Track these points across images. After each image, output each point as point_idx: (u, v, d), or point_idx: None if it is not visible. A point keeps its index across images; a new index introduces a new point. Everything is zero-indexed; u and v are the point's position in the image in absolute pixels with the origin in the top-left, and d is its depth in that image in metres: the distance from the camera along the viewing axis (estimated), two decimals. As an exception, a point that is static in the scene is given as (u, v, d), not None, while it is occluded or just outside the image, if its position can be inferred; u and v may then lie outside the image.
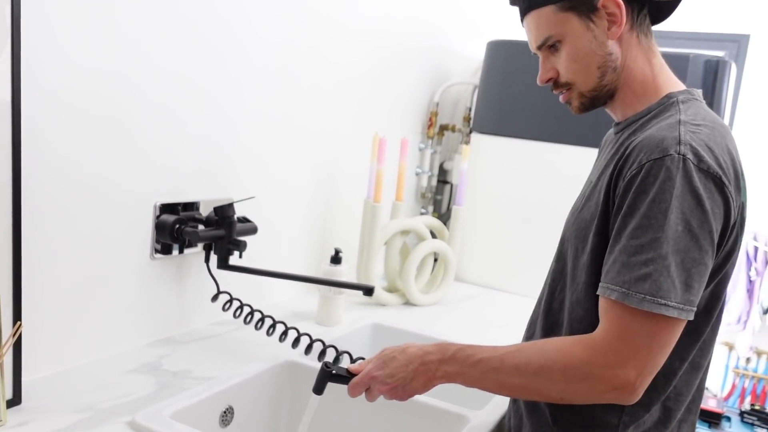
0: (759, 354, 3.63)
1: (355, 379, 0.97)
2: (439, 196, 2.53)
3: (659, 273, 0.83)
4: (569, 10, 0.96)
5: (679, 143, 0.86)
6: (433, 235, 2.03)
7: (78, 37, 1.12)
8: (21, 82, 1.01)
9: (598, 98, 1.01)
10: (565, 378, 0.87)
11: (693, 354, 0.96)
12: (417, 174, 2.40)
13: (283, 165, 1.69)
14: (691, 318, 0.86)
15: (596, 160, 1.15)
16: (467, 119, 2.45)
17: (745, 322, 3.49)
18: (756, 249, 3.47)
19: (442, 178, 2.52)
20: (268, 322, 1.42)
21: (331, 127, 1.85)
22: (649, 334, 0.84)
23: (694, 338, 0.94)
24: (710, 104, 1.92)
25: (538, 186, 2.11)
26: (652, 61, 1.00)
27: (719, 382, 3.71)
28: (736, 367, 3.69)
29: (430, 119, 2.36)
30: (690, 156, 0.85)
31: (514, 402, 1.13)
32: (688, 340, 0.92)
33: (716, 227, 0.86)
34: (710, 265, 0.87)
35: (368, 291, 1.40)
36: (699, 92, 1.00)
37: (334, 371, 0.98)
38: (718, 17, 3.77)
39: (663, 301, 0.83)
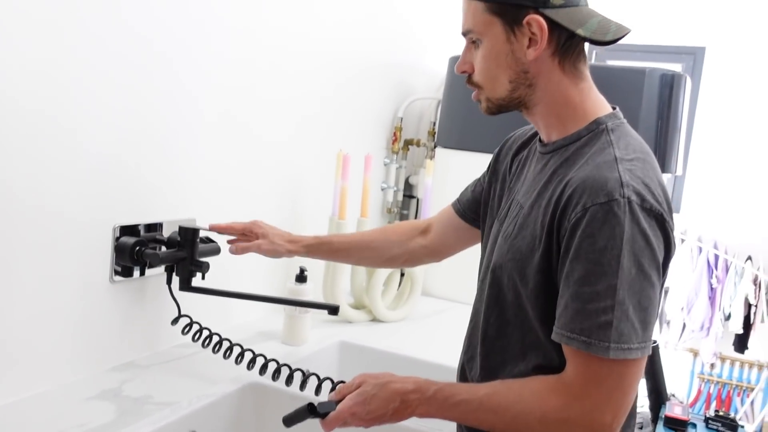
0: (723, 359, 3.70)
1: (333, 415, 0.97)
2: (405, 211, 2.54)
3: (619, 320, 0.85)
4: (496, 14, 0.96)
5: (622, 185, 0.87)
6: (400, 251, 2.03)
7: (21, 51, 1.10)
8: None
9: (507, 107, 1.01)
10: (542, 424, 0.90)
11: None
12: (383, 189, 2.40)
13: (246, 183, 1.68)
14: (649, 353, 0.88)
15: (505, 166, 1.14)
16: (432, 134, 2.46)
17: (708, 328, 3.56)
18: (716, 257, 3.54)
19: (408, 192, 2.52)
20: (225, 344, 1.40)
21: (293, 144, 1.84)
22: (619, 376, 0.87)
23: None
24: (667, 118, 1.96)
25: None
26: (580, 85, 0.99)
27: (685, 389, 3.78)
28: (701, 373, 3.75)
29: (395, 134, 2.37)
30: (634, 197, 0.87)
31: None
32: None
33: (661, 261, 0.89)
34: (660, 297, 0.91)
35: (333, 310, 1.39)
36: (620, 113, 1.01)
37: (319, 412, 0.96)
38: (674, 30, 3.87)
39: (626, 346, 0.85)
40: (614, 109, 1.01)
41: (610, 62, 3.99)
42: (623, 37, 0.96)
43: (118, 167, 1.30)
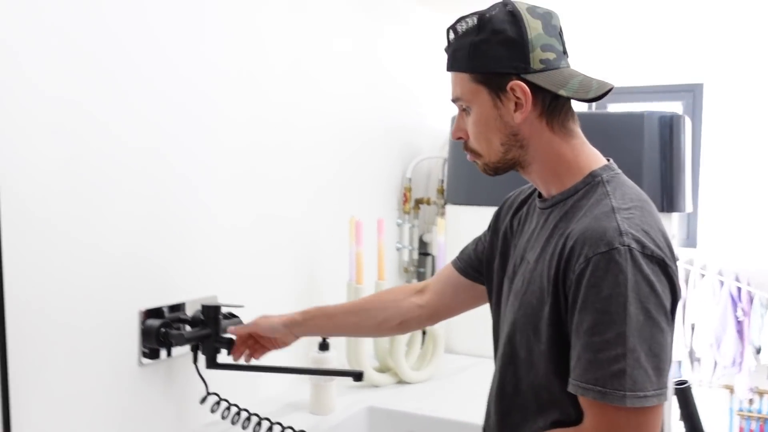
0: (761, 394, 3.61)
1: None
2: (422, 269, 2.56)
3: (632, 367, 0.86)
4: (481, 83, 1.00)
5: (621, 234, 0.90)
6: (419, 310, 2.04)
7: (44, 152, 1.16)
8: (0, 207, 1.04)
9: (503, 168, 1.05)
10: None
11: None
12: (398, 249, 2.43)
13: (263, 256, 1.72)
14: (666, 399, 0.89)
15: (507, 222, 1.17)
16: (441, 191, 2.50)
17: (740, 363, 3.49)
18: (739, 290, 3.50)
19: (423, 250, 2.55)
20: (254, 419, 1.41)
21: (307, 215, 1.89)
22: (638, 426, 0.88)
23: None
24: (670, 158, 1.99)
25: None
26: (571, 142, 1.02)
27: (726, 428, 3.67)
28: (740, 410, 3.66)
29: (405, 195, 2.41)
30: (634, 245, 0.89)
31: None
32: None
33: (668, 306, 0.91)
34: (671, 341, 0.91)
35: (357, 376, 1.40)
36: (615, 165, 1.04)
37: None
38: (672, 69, 3.94)
39: (642, 394, 0.86)
40: (608, 161, 1.05)
41: (611, 106, 4.06)
42: (606, 93, 1.00)
43: (139, 252, 1.35)
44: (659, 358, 0.88)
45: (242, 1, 1.60)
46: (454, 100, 1.06)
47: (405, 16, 2.45)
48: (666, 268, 0.91)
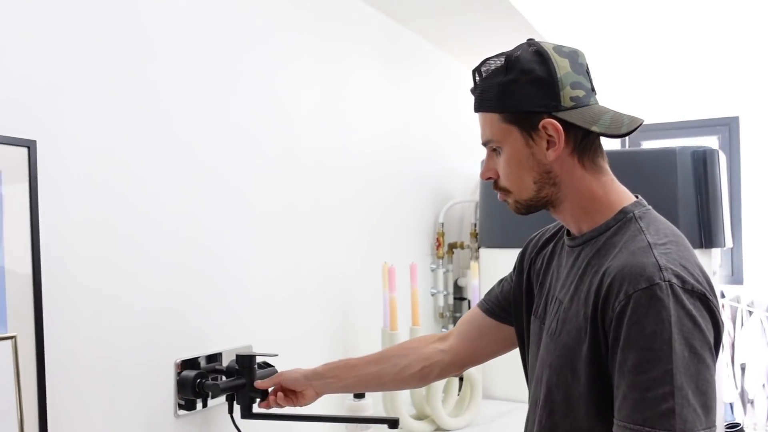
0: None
1: None
2: (458, 314, 2.54)
3: (681, 406, 0.84)
4: (512, 123, 1.01)
5: (661, 269, 0.88)
6: (456, 355, 2.02)
7: (86, 212, 1.20)
8: (41, 263, 1.08)
9: (535, 207, 1.05)
10: None
11: None
12: (432, 294, 2.42)
13: (296, 303, 1.73)
14: None
15: (532, 262, 1.16)
16: (474, 235, 2.50)
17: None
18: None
19: (459, 295, 2.54)
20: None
21: (339, 261, 1.90)
22: None
23: None
24: (705, 193, 1.96)
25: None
26: (602, 179, 1.03)
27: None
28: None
29: (438, 239, 2.41)
30: (675, 280, 0.88)
31: None
32: None
33: (712, 341, 0.89)
34: (716, 377, 0.89)
35: (393, 423, 1.39)
36: (644, 201, 1.03)
37: None
38: (706, 103, 3.91)
39: None
40: (637, 197, 1.04)
41: (645, 143, 4.03)
42: (637, 128, 1.00)
43: (175, 304, 1.37)
44: (706, 396, 0.85)
45: (271, 60, 1.66)
46: (485, 143, 1.07)
47: (433, 63, 2.49)
48: (707, 302, 0.89)
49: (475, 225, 2.50)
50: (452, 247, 2.49)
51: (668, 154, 1.97)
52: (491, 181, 1.10)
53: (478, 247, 2.36)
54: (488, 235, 2.28)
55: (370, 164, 2.06)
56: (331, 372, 1.34)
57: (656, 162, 1.97)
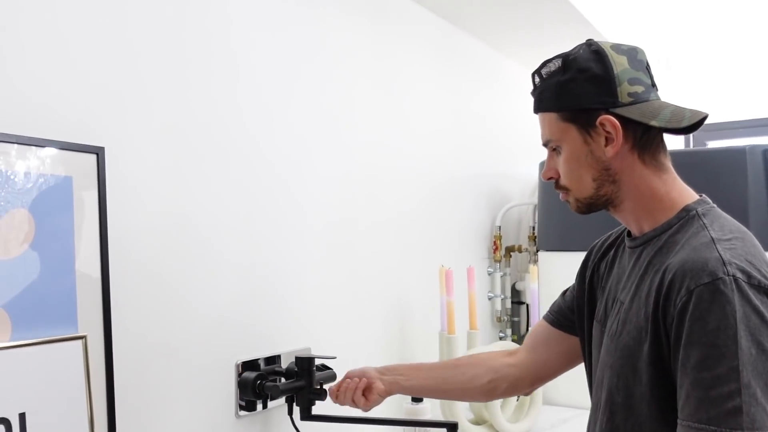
0: None
1: None
2: (516, 318, 2.50)
3: (749, 404, 0.80)
4: (570, 121, 1.01)
5: (725, 264, 0.85)
6: (514, 360, 1.99)
7: (151, 218, 1.24)
8: (109, 267, 1.12)
9: (596, 205, 1.04)
10: None
11: None
12: (490, 298, 2.39)
13: (353, 306, 1.74)
14: None
15: (595, 268, 1.14)
16: (532, 238, 2.46)
17: None
18: None
19: (516, 299, 2.50)
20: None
21: (395, 264, 1.90)
22: None
23: None
24: (778, 193, 1.88)
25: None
26: (663, 176, 1.00)
27: None
28: None
29: (495, 243, 2.39)
30: (740, 275, 0.85)
31: None
32: None
33: None
34: None
35: (452, 428, 1.37)
36: (709, 199, 1.01)
37: None
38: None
39: None
40: (701, 196, 1.01)
41: (712, 143, 3.89)
42: (701, 122, 0.97)
43: (236, 307, 1.40)
44: None
45: (327, 65, 1.67)
46: (545, 144, 1.07)
47: (491, 66, 2.47)
48: None
49: (534, 228, 2.46)
50: (510, 250, 2.46)
51: (737, 152, 1.89)
52: (552, 182, 1.09)
53: (537, 251, 2.32)
54: (547, 238, 2.24)
55: (427, 167, 2.06)
56: (399, 370, 1.34)
57: (725, 161, 1.90)
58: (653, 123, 0.96)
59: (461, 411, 1.82)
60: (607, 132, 0.98)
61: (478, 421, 1.90)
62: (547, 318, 1.27)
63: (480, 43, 2.41)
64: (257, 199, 1.46)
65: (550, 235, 2.23)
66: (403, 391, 1.36)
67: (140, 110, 1.21)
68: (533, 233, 2.46)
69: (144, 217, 1.21)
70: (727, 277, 0.84)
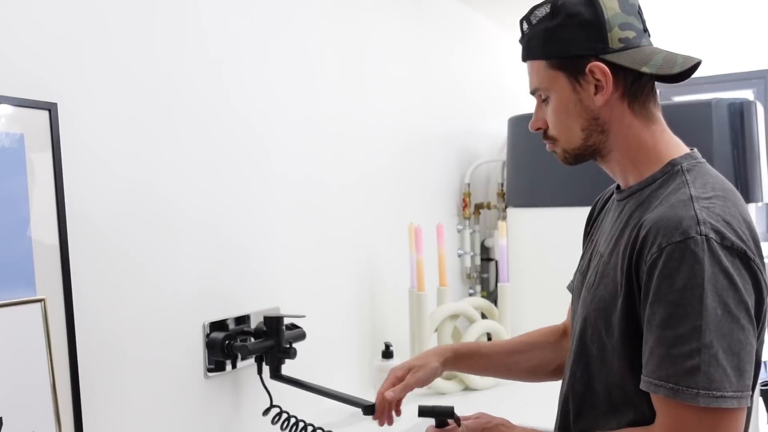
0: None
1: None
2: (486, 275, 2.52)
3: (708, 364, 0.80)
4: (558, 68, 0.97)
5: (698, 223, 0.84)
6: (483, 315, 2.01)
7: (112, 173, 1.20)
8: (67, 226, 1.08)
9: (583, 156, 1.02)
10: None
11: None
12: (459, 256, 2.40)
13: (324, 266, 1.72)
14: (749, 404, 0.83)
15: (594, 222, 1.14)
16: (501, 195, 2.46)
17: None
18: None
19: (486, 256, 2.51)
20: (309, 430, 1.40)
21: (366, 222, 1.89)
22: (711, 427, 0.82)
23: None
24: (742, 147, 1.90)
25: (580, 250, 2.08)
26: (651, 127, 0.98)
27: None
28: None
29: (464, 200, 2.38)
30: (712, 235, 0.83)
31: None
32: None
33: (750, 303, 0.84)
34: (755, 343, 0.85)
35: (368, 409, 1.29)
36: (698, 153, 0.99)
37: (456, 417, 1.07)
38: (741, 56, 3.77)
39: (719, 394, 0.80)
40: (692, 150, 0.99)
41: (677, 98, 3.92)
42: (694, 68, 0.95)
43: (203, 267, 1.37)
44: (740, 357, 0.81)
45: (298, 15, 1.62)
46: (533, 92, 1.04)
47: (457, 21, 2.43)
48: (748, 261, 0.84)
49: (502, 185, 2.46)
50: (479, 207, 2.46)
51: (703, 106, 1.90)
52: (531, 133, 1.07)
53: (506, 207, 2.32)
54: (515, 194, 2.25)
55: (395, 125, 2.03)
56: (463, 361, 1.25)
57: (690, 115, 1.90)
58: (644, 69, 0.93)
59: (431, 366, 1.83)
60: (597, 79, 0.95)
61: (448, 376, 1.92)
62: (568, 287, 1.24)
63: (448, -3, 2.37)
64: (222, 158, 1.42)
65: (518, 191, 2.24)
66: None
67: (99, 64, 1.16)
68: (502, 190, 2.46)
69: (103, 178, 1.17)
70: (699, 237, 0.83)
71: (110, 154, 1.19)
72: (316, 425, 1.41)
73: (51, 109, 1.07)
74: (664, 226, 0.86)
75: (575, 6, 0.95)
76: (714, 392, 0.80)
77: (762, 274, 0.86)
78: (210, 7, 1.39)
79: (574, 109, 0.98)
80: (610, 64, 0.94)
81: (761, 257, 0.88)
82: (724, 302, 0.82)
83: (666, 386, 0.83)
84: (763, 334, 0.91)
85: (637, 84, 0.96)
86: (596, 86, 0.96)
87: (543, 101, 1.02)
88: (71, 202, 1.10)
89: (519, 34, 1.04)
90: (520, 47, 1.05)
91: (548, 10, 0.98)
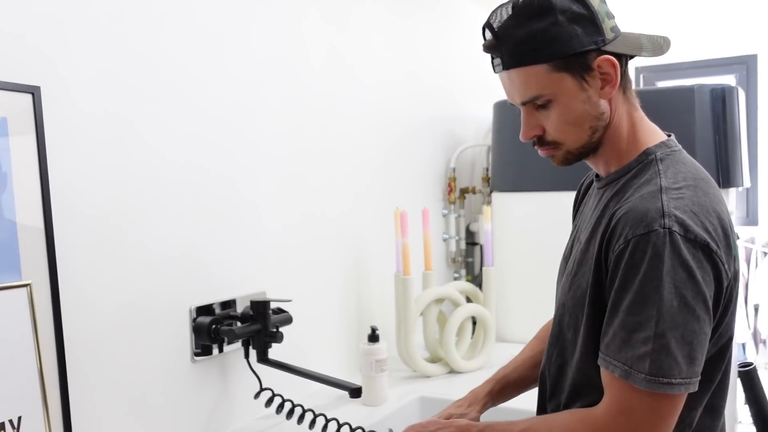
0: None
1: None
2: (471, 259, 2.53)
3: (657, 352, 0.84)
4: (563, 69, 0.93)
5: (663, 216, 0.86)
6: (468, 300, 2.03)
7: (96, 161, 1.19)
8: (52, 211, 1.08)
9: (586, 154, 1.00)
10: None
11: (707, 399, 0.95)
12: (444, 240, 2.41)
13: (310, 250, 1.73)
14: (696, 389, 0.86)
15: (578, 206, 1.16)
16: (486, 179, 2.47)
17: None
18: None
19: (471, 240, 2.53)
20: (309, 416, 1.41)
21: (351, 206, 1.89)
22: (650, 410, 0.86)
23: (707, 387, 0.94)
24: (724, 132, 1.92)
25: (564, 234, 2.10)
26: (633, 115, 0.99)
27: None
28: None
29: (449, 185, 2.39)
30: (676, 228, 0.85)
31: None
32: (700, 389, 0.90)
33: (709, 294, 0.87)
34: (709, 331, 0.88)
35: (354, 392, 1.36)
36: (674, 141, 0.99)
37: None
38: (723, 42, 3.79)
39: (665, 380, 0.84)
40: (669, 136, 1.00)
41: (660, 83, 3.94)
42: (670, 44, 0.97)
43: (190, 252, 1.37)
44: (692, 347, 0.85)
45: (281, 8, 1.61)
46: (527, 102, 0.96)
47: (443, 6, 2.42)
48: (711, 254, 0.86)
49: (487, 170, 2.47)
50: (464, 192, 2.47)
51: (686, 92, 1.92)
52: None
53: (491, 192, 2.34)
54: (500, 179, 2.26)
55: (380, 108, 2.03)
56: (499, 398, 1.24)
57: (674, 101, 1.92)
58: (643, 54, 0.94)
59: (417, 350, 1.85)
60: (604, 73, 0.93)
61: (434, 359, 1.94)
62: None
63: (433, -19, 2.36)
64: (209, 143, 1.42)
65: (503, 176, 2.25)
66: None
67: (79, 47, 1.15)
68: (487, 175, 2.47)
69: (88, 161, 1.17)
70: (661, 230, 0.85)
71: (95, 137, 1.18)
72: (306, 407, 1.42)
73: (34, 92, 1.06)
74: (632, 218, 0.88)
75: (562, 2, 0.92)
76: (661, 378, 0.84)
77: (723, 265, 0.88)
78: (194, -11, 1.38)
79: (583, 108, 0.95)
80: (613, 55, 0.93)
81: (729, 246, 0.90)
82: (681, 294, 0.84)
83: (621, 367, 0.87)
84: (730, 318, 0.94)
85: (625, 70, 0.97)
86: (603, 80, 0.94)
87: (541, 107, 0.96)
88: (56, 186, 1.10)
89: (487, 43, 0.96)
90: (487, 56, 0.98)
91: (533, 9, 0.92)
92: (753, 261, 3.37)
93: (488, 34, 0.96)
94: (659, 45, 0.96)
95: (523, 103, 0.98)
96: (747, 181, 2.10)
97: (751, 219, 3.64)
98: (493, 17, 0.95)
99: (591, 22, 0.92)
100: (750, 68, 3.82)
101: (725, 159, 1.92)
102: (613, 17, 0.96)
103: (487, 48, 0.96)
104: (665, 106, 1.90)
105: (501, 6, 0.95)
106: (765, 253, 3.41)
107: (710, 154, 1.89)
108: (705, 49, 3.78)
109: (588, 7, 0.92)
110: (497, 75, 1.00)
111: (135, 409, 1.26)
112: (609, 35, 0.93)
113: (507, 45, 0.94)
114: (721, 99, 1.92)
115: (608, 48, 0.93)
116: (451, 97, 2.46)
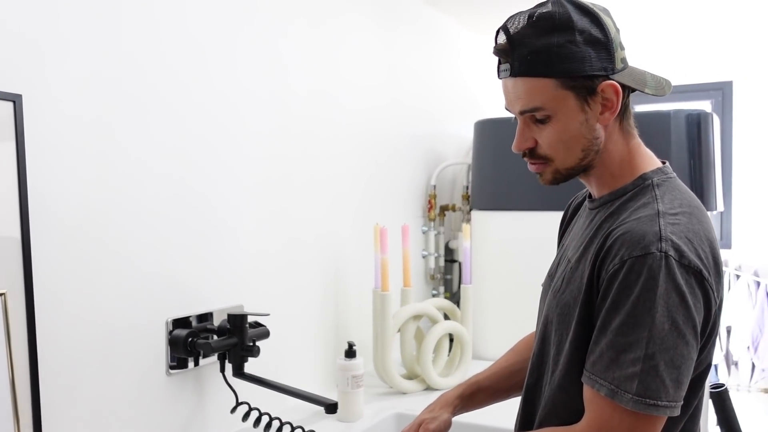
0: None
1: None
2: (449, 276, 2.55)
3: (646, 373, 0.85)
4: (569, 88, 0.94)
5: (660, 239, 0.87)
6: (446, 317, 2.04)
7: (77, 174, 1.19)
8: (29, 221, 1.07)
9: (574, 174, 1.01)
10: None
11: (683, 424, 0.97)
12: (424, 257, 2.42)
13: (288, 264, 1.73)
14: (678, 413, 0.88)
15: (566, 226, 1.17)
16: (466, 197, 2.49)
17: (779, 366, 3.40)
18: (776, 290, 3.42)
19: (450, 257, 2.54)
20: (286, 429, 1.41)
21: (331, 222, 1.89)
22: (630, 429, 0.87)
23: (684, 411, 0.95)
24: (699, 156, 1.96)
25: (542, 254, 2.11)
26: (630, 142, 1.00)
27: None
28: (780, 414, 3.56)
29: (430, 202, 2.41)
30: (672, 252, 0.86)
31: None
32: (679, 416, 0.91)
33: (699, 320, 0.88)
34: (695, 357, 0.89)
35: (330, 408, 1.38)
36: (669, 168, 1.02)
37: None
38: (699, 68, 3.88)
39: (652, 402, 0.85)
40: (664, 163, 1.02)
41: (638, 108, 4.01)
42: (671, 87, 0.99)
43: (166, 264, 1.37)
44: (680, 372, 0.86)
45: (264, 21, 1.62)
46: (526, 111, 0.97)
47: (425, 24, 2.45)
48: (702, 280, 0.88)
49: (467, 188, 2.49)
50: (444, 209, 2.48)
51: (662, 117, 1.96)
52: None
53: (470, 210, 2.35)
54: (480, 197, 2.28)
55: (363, 124, 2.04)
56: (470, 403, 1.24)
57: (650, 125, 1.94)
58: (647, 90, 0.95)
59: (393, 366, 1.85)
60: (606, 99, 0.95)
61: (410, 376, 1.94)
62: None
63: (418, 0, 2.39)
64: (188, 153, 1.42)
65: (482, 194, 2.27)
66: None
67: (62, 56, 1.15)
68: (467, 193, 2.49)
69: (68, 170, 1.16)
70: (658, 253, 0.86)
71: (76, 147, 1.17)
72: (283, 420, 1.42)
73: (15, 100, 1.05)
74: (629, 240, 0.89)
75: (582, 22, 0.93)
76: (648, 399, 0.85)
77: (713, 293, 0.90)
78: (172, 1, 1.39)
79: (579, 129, 0.96)
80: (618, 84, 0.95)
81: (718, 274, 0.92)
82: (673, 318, 0.86)
83: (608, 386, 0.88)
84: (711, 344, 0.95)
85: (626, 102, 0.99)
86: (604, 105, 0.95)
87: (538, 120, 0.97)
88: (34, 195, 1.09)
89: (500, 47, 0.96)
90: (495, 59, 0.99)
91: (551, 22, 0.93)
92: (726, 283, 3.43)
93: (502, 38, 0.96)
94: (662, 86, 0.98)
95: (522, 113, 0.98)
96: (721, 205, 2.15)
97: (724, 242, 3.70)
98: (510, 22, 0.96)
99: (605, 48, 0.94)
100: (725, 94, 3.91)
101: (700, 183, 1.96)
102: (624, 49, 0.98)
103: (499, 51, 0.97)
104: (642, 130, 1.91)
105: (520, 13, 0.96)
106: (737, 276, 3.47)
107: (685, 178, 1.93)
108: (682, 75, 3.86)
109: (606, 34, 0.94)
110: (500, 81, 1.00)
111: (109, 421, 1.24)
112: (618, 65, 0.95)
113: (520, 52, 0.94)
114: (697, 124, 1.96)
115: (615, 77, 0.95)
116: (434, 115, 2.48)
